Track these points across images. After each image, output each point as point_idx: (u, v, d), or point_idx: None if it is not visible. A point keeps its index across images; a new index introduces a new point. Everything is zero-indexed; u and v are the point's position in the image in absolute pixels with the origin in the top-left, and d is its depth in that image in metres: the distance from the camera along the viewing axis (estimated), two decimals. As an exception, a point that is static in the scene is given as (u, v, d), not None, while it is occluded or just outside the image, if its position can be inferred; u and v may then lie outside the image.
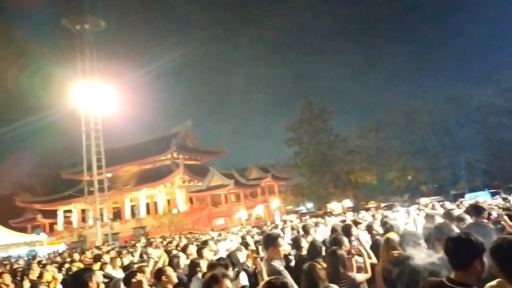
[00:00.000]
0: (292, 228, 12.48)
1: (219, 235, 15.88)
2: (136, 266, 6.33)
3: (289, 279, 3.92)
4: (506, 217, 4.50)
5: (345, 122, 53.97)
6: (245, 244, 8.76)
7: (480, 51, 58.69)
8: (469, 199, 22.04)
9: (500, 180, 41.51)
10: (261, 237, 8.78)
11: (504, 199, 15.16)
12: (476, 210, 5.61)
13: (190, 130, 50.37)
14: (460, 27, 61.46)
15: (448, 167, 43.64)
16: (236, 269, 5.47)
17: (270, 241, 4.51)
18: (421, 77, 54.79)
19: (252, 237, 11.10)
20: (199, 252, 6.69)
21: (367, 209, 27.95)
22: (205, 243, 7.95)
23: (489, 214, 5.81)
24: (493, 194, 26.16)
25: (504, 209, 6.69)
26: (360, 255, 5.06)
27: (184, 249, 7.81)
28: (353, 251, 5.10)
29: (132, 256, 10.08)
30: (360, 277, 4.67)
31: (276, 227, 16.33)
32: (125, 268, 6.89)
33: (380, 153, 45.81)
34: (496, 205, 10.63)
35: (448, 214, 6.53)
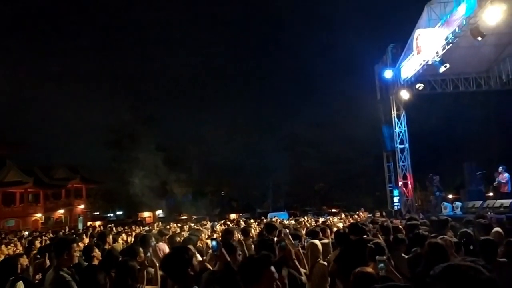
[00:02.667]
0: (92, 236, 11.71)
1: (3, 238, 13.74)
2: None
3: None
4: (290, 236, 5.00)
5: (171, 132, 53.35)
6: (29, 250, 7.77)
7: (293, 87, 65.82)
8: (270, 217, 24.09)
9: (299, 202, 47.08)
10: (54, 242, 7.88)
11: (296, 220, 16.97)
12: (268, 228, 6.16)
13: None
14: (275, 67, 67.28)
15: (258, 187, 47.56)
16: (12, 278, 4.81)
17: (63, 247, 4.15)
18: (244, 102, 58.24)
19: (43, 242, 10.02)
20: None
21: (179, 221, 28.24)
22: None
23: (280, 232, 6.39)
24: (290, 215, 29.24)
25: (294, 229, 7.52)
26: (153, 266, 4.90)
27: None
28: (146, 262, 4.92)
29: None
30: (148, 288, 4.50)
31: (75, 233, 15.18)
32: None
33: (199, 166, 47.05)
34: (290, 225, 11.76)
35: (244, 231, 7.03)
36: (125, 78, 59.47)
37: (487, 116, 32.58)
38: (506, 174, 14.14)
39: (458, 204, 14.89)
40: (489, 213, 10.42)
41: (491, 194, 14.38)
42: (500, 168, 14.51)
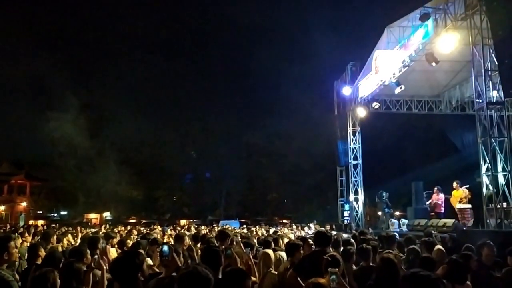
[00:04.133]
0: (35, 235, 11.26)
1: None
2: None
3: None
4: (242, 245, 4.99)
5: (124, 132, 51.49)
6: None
7: (252, 97, 65.66)
8: (222, 225, 23.97)
9: (250, 212, 47.07)
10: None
11: (248, 229, 17.01)
12: (221, 235, 6.10)
13: None
14: (234, 78, 66.76)
15: (211, 193, 47.10)
16: None
17: (1, 247, 4.07)
18: (202, 108, 57.24)
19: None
20: None
21: (127, 224, 27.43)
22: None
23: (232, 240, 6.37)
24: (241, 224, 29.22)
25: (243, 237, 7.54)
26: (100, 269, 4.72)
27: None
28: (93, 264, 4.73)
29: None
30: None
31: (16, 231, 14.35)
32: None
33: (151, 169, 45.97)
34: (240, 233, 11.74)
35: (197, 237, 6.93)
36: (78, 75, 57.04)
37: (436, 138, 34.17)
38: (441, 195, 14.74)
39: (405, 221, 15.37)
40: (433, 231, 10.84)
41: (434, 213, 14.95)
42: (436, 189, 15.06)
